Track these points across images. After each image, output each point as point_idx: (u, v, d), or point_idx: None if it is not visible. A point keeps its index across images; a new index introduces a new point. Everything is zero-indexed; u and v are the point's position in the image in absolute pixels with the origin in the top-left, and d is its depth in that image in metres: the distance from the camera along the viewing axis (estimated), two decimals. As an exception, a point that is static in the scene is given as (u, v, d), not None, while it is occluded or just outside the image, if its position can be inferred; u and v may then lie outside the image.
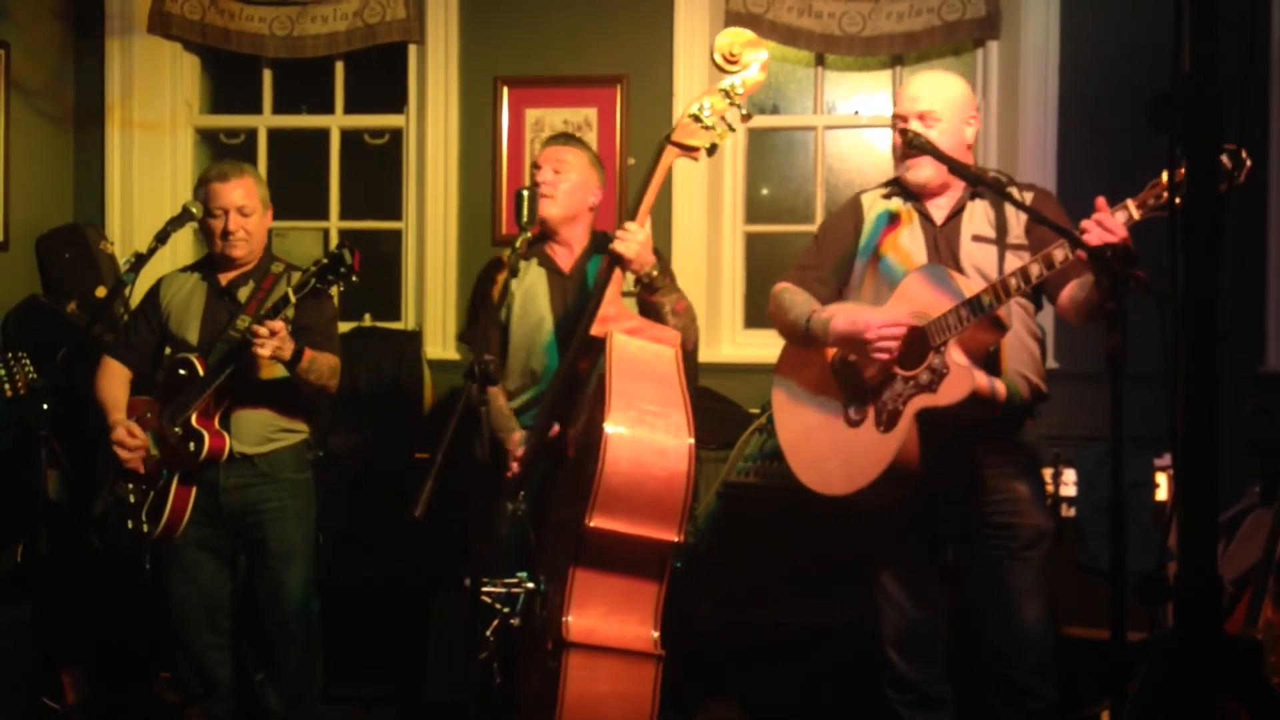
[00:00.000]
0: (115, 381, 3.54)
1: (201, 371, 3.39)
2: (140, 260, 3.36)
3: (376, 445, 4.41)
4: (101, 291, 4.62)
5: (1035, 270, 2.72)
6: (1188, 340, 1.61)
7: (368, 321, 4.84)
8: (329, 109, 5.10)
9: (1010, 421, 2.98)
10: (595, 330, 2.94)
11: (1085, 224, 2.62)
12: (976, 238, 2.98)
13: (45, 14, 4.90)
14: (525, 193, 3.10)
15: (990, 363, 2.89)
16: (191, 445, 3.36)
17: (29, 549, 3.78)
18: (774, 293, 3.16)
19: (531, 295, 3.39)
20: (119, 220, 4.99)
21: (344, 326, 4.25)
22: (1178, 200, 1.70)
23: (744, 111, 3.02)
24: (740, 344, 4.78)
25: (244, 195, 3.47)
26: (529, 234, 3.08)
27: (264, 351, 3.22)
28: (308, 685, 3.58)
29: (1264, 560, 2.98)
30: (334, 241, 5.09)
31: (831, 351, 3.02)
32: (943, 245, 3.00)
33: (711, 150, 3.02)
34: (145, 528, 3.41)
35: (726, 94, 2.98)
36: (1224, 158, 2.26)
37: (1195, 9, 1.61)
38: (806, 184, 4.87)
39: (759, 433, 4.09)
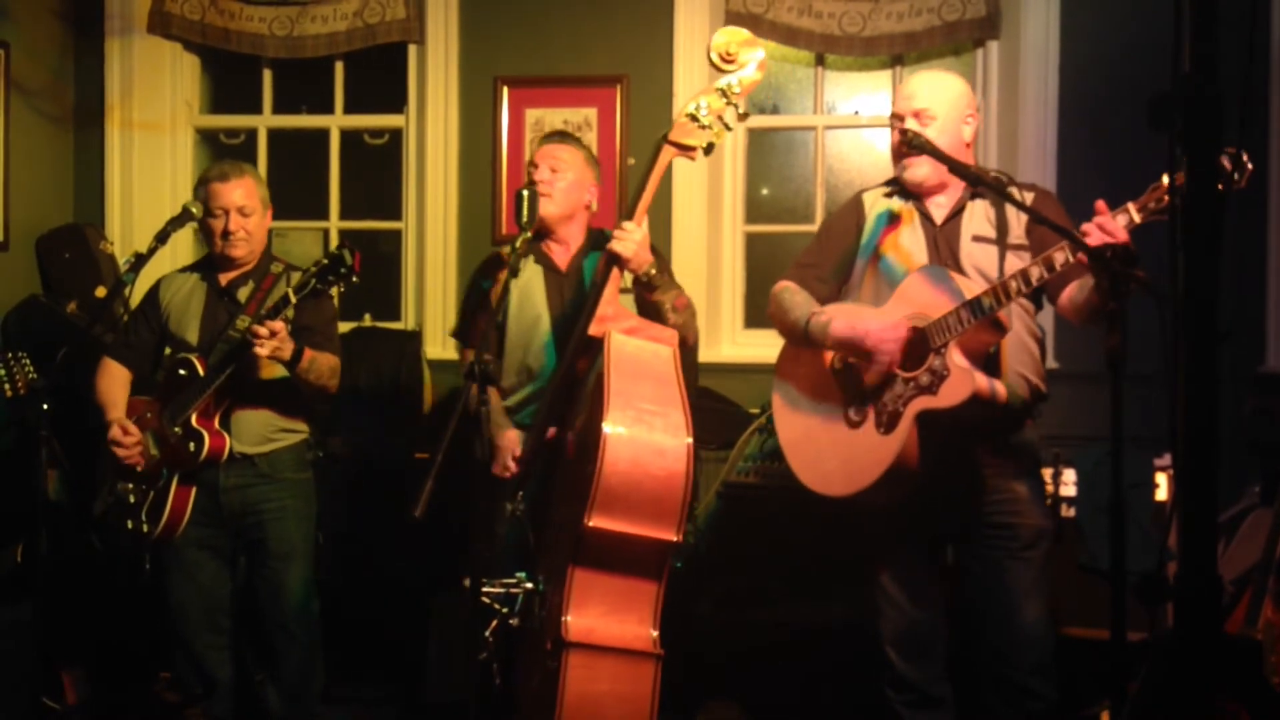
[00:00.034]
0: (115, 382, 3.54)
1: (201, 371, 3.39)
2: (140, 260, 3.36)
3: (376, 445, 4.41)
4: (101, 291, 4.62)
5: (1036, 273, 2.72)
6: (1188, 340, 1.61)
7: (368, 321, 4.84)
8: (329, 109, 5.10)
9: (1010, 422, 2.98)
10: (593, 330, 2.94)
11: (1086, 227, 2.63)
12: (977, 238, 2.98)
13: (45, 14, 4.90)
14: (525, 193, 3.10)
15: (990, 363, 2.89)
16: (191, 445, 3.36)
17: (29, 549, 3.78)
18: (774, 292, 3.16)
19: (528, 293, 3.39)
20: (119, 220, 4.99)
21: (344, 326, 4.25)
22: (1177, 200, 1.70)
23: (741, 110, 3.02)
24: (740, 344, 4.78)
25: (244, 195, 3.47)
26: (529, 234, 3.08)
27: (263, 352, 3.22)
28: (308, 685, 3.58)
29: (1264, 560, 2.97)
30: (334, 241, 5.09)
31: (831, 353, 3.02)
32: (943, 245, 3.00)
33: (708, 150, 3.02)
34: (145, 528, 3.41)
35: (723, 93, 2.98)
36: (1224, 160, 2.25)
37: (1195, 9, 1.61)
38: (806, 184, 4.87)
39: (759, 433, 4.09)
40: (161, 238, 3.40)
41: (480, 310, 3.45)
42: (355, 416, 4.42)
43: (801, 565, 3.88)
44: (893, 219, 3.06)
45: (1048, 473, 3.57)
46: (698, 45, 4.58)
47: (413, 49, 4.87)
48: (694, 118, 2.99)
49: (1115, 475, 2.35)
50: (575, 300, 3.31)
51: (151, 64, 5.02)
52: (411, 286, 4.95)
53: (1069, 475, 3.76)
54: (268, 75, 5.12)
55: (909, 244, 3.02)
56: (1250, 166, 2.41)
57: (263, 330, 3.20)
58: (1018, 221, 2.98)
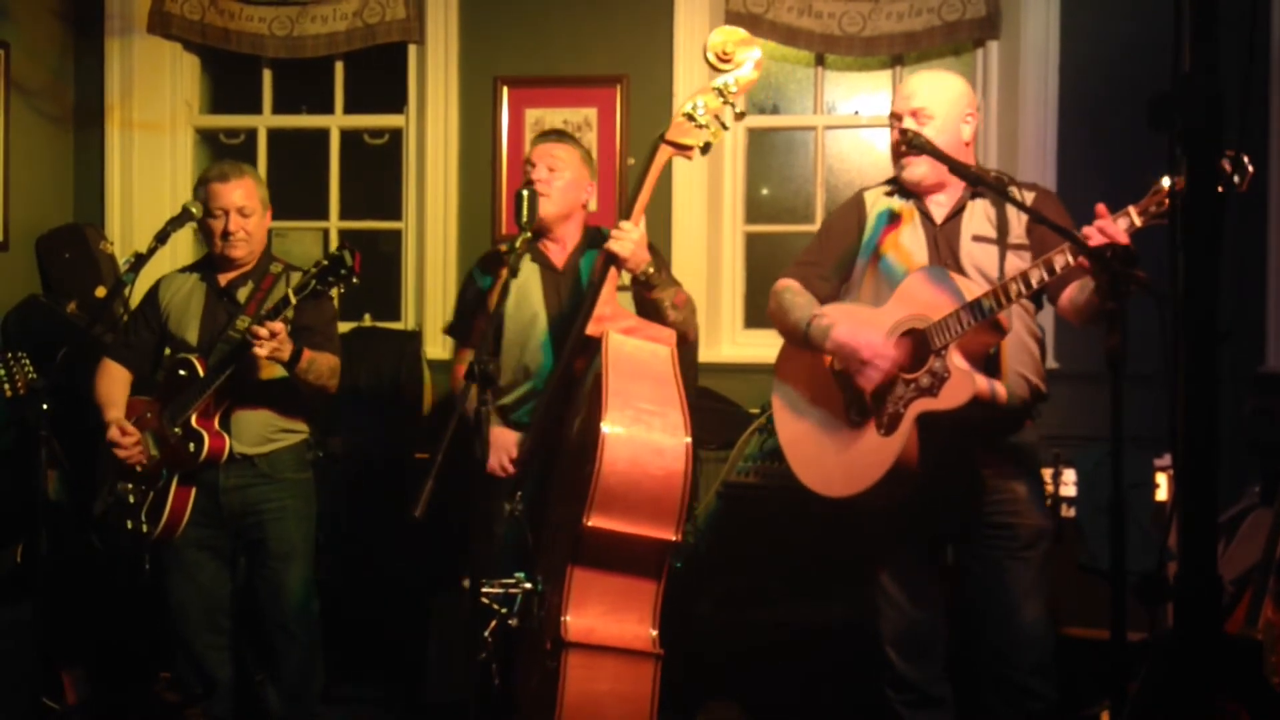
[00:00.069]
0: (114, 382, 3.54)
1: (201, 372, 3.39)
2: (140, 260, 3.36)
3: (376, 445, 4.41)
4: (101, 291, 4.62)
5: (1036, 276, 2.72)
6: (1188, 340, 1.61)
7: (368, 321, 4.84)
8: (329, 109, 5.10)
9: (1010, 422, 2.98)
10: (591, 330, 2.94)
11: (1087, 230, 2.63)
12: (977, 237, 2.98)
13: (45, 14, 4.90)
14: (524, 193, 3.10)
15: (990, 364, 2.89)
16: (191, 446, 3.36)
17: (29, 549, 3.78)
18: (775, 290, 3.15)
19: (525, 291, 3.38)
20: (119, 220, 4.99)
21: (344, 326, 4.25)
22: (1177, 202, 1.70)
23: (738, 110, 3.02)
24: (740, 344, 4.78)
25: (244, 196, 3.47)
26: (529, 234, 3.08)
27: (263, 352, 3.22)
28: (308, 685, 3.58)
29: (1264, 560, 2.97)
30: (334, 241, 5.10)
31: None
32: (943, 244, 3.00)
33: (705, 149, 3.02)
34: (145, 528, 3.41)
35: (720, 92, 2.99)
36: (1225, 164, 2.25)
37: (1195, 9, 1.61)
38: (806, 184, 4.87)
39: (759, 433, 4.09)
40: (161, 238, 3.40)
41: (477, 309, 3.45)
42: (355, 416, 4.42)
43: (801, 565, 3.88)
44: (893, 218, 3.06)
45: (1048, 473, 3.57)
46: (698, 45, 4.54)
47: (413, 49, 4.87)
48: (691, 117, 2.99)
49: (1115, 475, 2.35)
50: (572, 299, 3.31)
51: (151, 64, 5.02)
52: (411, 286, 4.95)
53: (1069, 475, 3.76)
54: (268, 75, 5.12)
55: (909, 243, 3.01)
56: (1251, 170, 2.41)
57: (263, 331, 3.20)
58: (1018, 221, 2.97)
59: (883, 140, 4.74)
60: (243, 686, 3.66)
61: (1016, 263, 2.92)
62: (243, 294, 3.49)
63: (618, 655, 2.75)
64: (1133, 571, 2.34)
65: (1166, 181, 2.54)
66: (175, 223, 3.42)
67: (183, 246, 4.93)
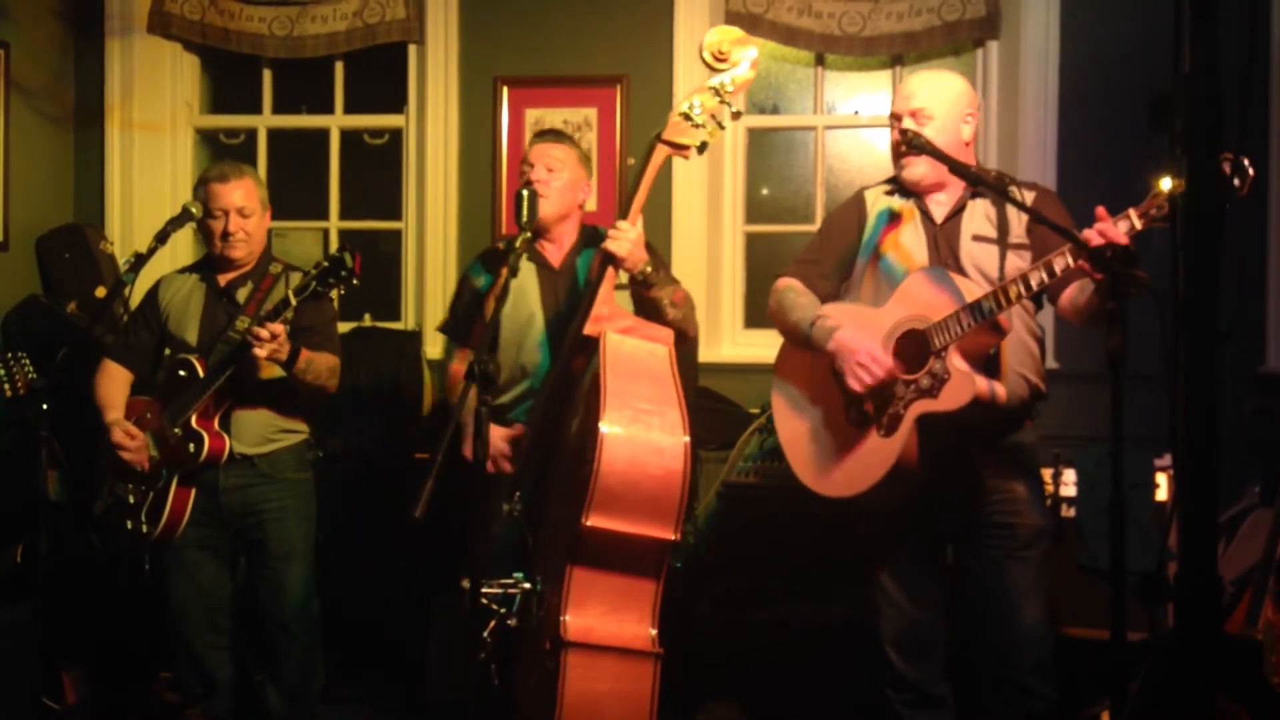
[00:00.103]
0: (115, 383, 3.54)
1: (201, 373, 3.38)
2: (140, 260, 3.36)
3: (376, 445, 4.41)
4: (101, 292, 4.62)
5: (1036, 278, 2.72)
6: (1188, 340, 1.61)
7: (368, 321, 4.84)
8: (329, 109, 5.10)
9: (1010, 422, 2.98)
10: (589, 329, 2.94)
11: (1087, 233, 2.62)
12: (977, 237, 2.98)
13: (45, 14, 4.90)
14: (525, 193, 3.09)
15: (990, 364, 2.89)
16: (191, 446, 3.36)
17: (29, 549, 3.78)
18: (776, 289, 3.15)
19: (522, 291, 3.37)
20: (119, 220, 4.99)
21: (344, 326, 4.25)
22: (1177, 200, 1.70)
23: (734, 109, 3.02)
24: (740, 344, 4.78)
25: (243, 196, 3.47)
26: (529, 234, 3.08)
27: (262, 353, 3.22)
28: (308, 685, 3.58)
29: (1264, 560, 2.97)
30: (334, 241, 5.10)
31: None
32: (943, 244, 3.00)
33: (702, 148, 3.02)
34: (145, 528, 3.41)
35: (716, 92, 2.99)
36: (1225, 167, 2.25)
37: (1195, 9, 1.61)
38: (806, 184, 4.87)
39: (759, 433, 4.09)
40: (161, 238, 3.40)
41: (472, 308, 3.45)
42: (355, 416, 4.42)
43: (801, 565, 3.88)
44: (893, 217, 3.06)
45: (1048, 473, 3.57)
46: (698, 45, 4.57)
47: (413, 49, 4.87)
48: (687, 116, 2.99)
49: (1115, 475, 2.35)
50: (569, 298, 3.31)
51: (151, 64, 5.02)
52: (411, 286, 4.95)
53: (1069, 475, 3.76)
54: (268, 75, 5.12)
55: (909, 243, 3.01)
56: (1252, 173, 2.40)
57: (264, 333, 3.19)
58: (1018, 221, 2.97)
59: (883, 140, 4.74)
60: (243, 686, 3.66)
61: (1016, 262, 2.92)
62: (242, 294, 3.49)
63: (617, 655, 2.75)
64: (1133, 571, 2.34)
65: (1166, 184, 2.54)
66: (175, 223, 3.42)
67: (183, 246, 4.93)
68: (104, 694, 3.95)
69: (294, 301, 3.22)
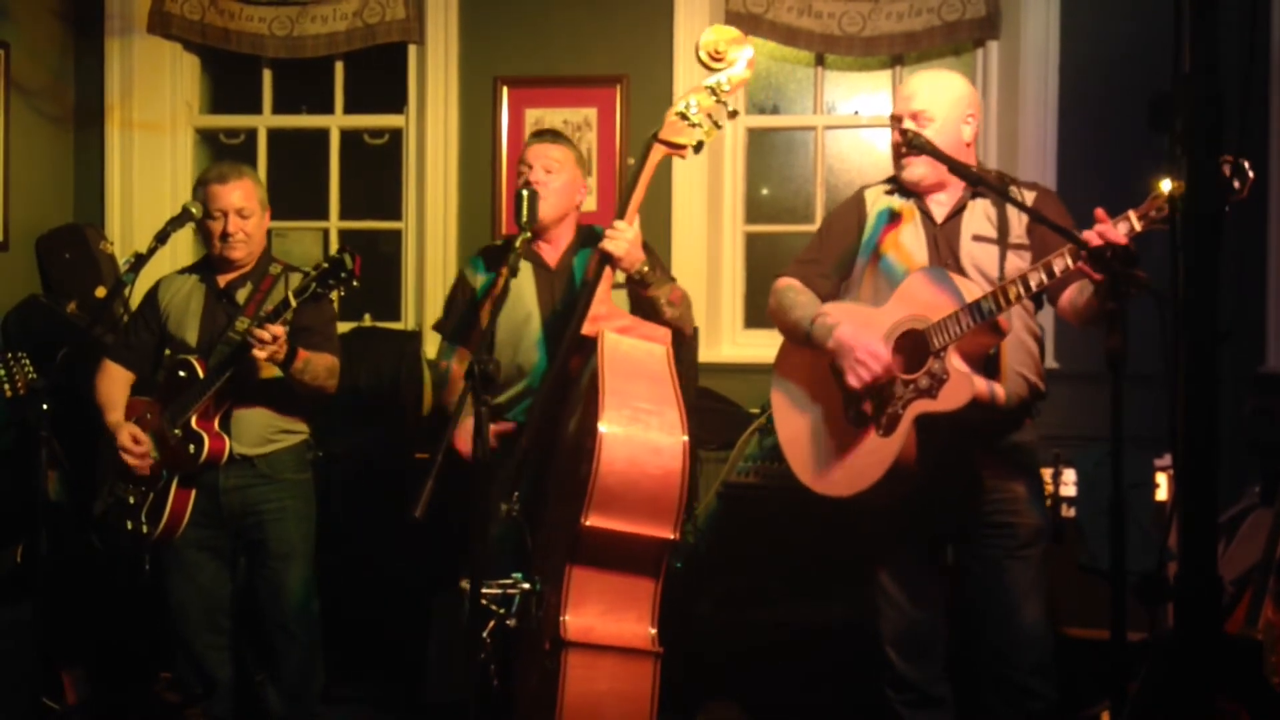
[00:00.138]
0: (115, 383, 3.54)
1: (201, 373, 3.38)
2: (140, 260, 3.36)
3: (376, 445, 4.41)
4: (101, 292, 4.62)
5: (1035, 279, 2.72)
6: (1188, 340, 1.61)
7: (368, 321, 4.84)
8: (329, 109, 5.10)
9: (1009, 421, 2.98)
10: (587, 329, 2.94)
11: (1087, 235, 2.62)
12: (977, 237, 2.98)
13: (45, 14, 4.90)
14: (525, 193, 3.10)
15: (990, 365, 2.89)
16: (191, 448, 3.36)
17: (29, 549, 3.78)
18: (776, 288, 3.15)
19: (518, 291, 3.36)
20: (119, 220, 4.99)
21: (344, 326, 4.25)
22: (1176, 202, 1.70)
23: (731, 108, 3.02)
24: (740, 344, 4.78)
25: (243, 197, 3.47)
26: (529, 234, 3.08)
27: (262, 355, 3.22)
28: (308, 685, 3.58)
29: (1264, 560, 2.97)
30: (334, 241, 5.10)
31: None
32: (943, 243, 3.00)
33: (698, 148, 3.03)
34: (145, 529, 3.41)
35: (713, 91, 2.99)
36: (1225, 169, 2.25)
37: (1195, 9, 1.61)
38: (806, 184, 4.87)
39: (759, 433, 4.09)
40: (161, 238, 3.40)
41: (470, 308, 3.45)
42: (355, 416, 4.42)
43: (801, 565, 3.88)
44: (893, 217, 3.06)
45: (1048, 473, 3.57)
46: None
47: (413, 49, 4.87)
48: (684, 116, 3.00)
49: (1115, 475, 2.35)
50: (565, 298, 3.31)
51: (151, 64, 5.02)
52: (411, 286, 4.95)
53: (1069, 475, 3.76)
54: (268, 75, 5.12)
55: (909, 242, 3.01)
56: (1252, 175, 2.40)
57: (265, 335, 3.19)
58: (1019, 221, 2.97)
59: (883, 140, 4.74)
60: (243, 686, 3.66)
61: (1017, 263, 2.92)
62: (242, 295, 3.49)
63: (617, 654, 2.75)
64: (1133, 571, 2.35)
65: (1166, 186, 2.54)
66: (175, 223, 3.42)
67: (183, 247, 4.93)
68: (104, 694, 3.95)
69: (294, 303, 3.22)
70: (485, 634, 2.78)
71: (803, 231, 4.63)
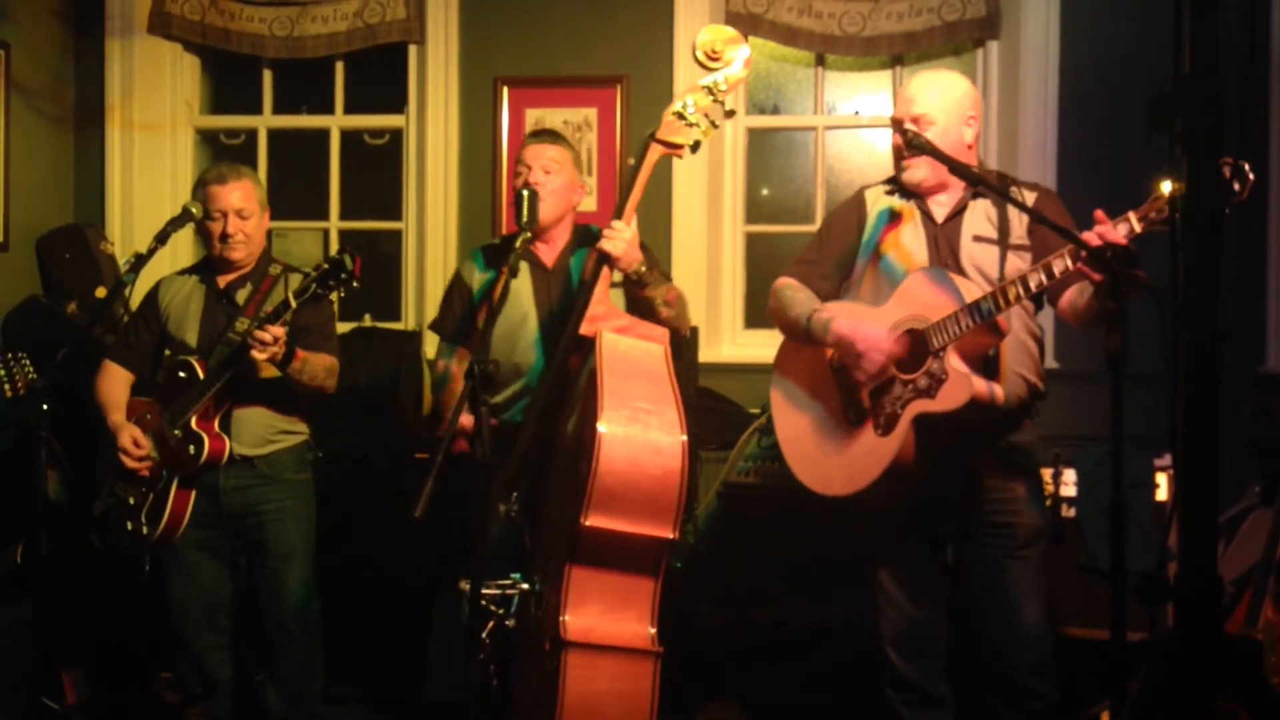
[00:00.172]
0: (115, 384, 3.54)
1: (201, 374, 3.38)
2: (140, 261, 3.36)
3: (376, 445, 4.41)
4: (101, 292, 4.62)
5: (1035, 280, 2.72)
6: (1188, 340, 1.61)
7: (368, 322, 4.84)
8: (329, 109, 5.10)
9: (1009, 421, 2.98)
10: (585, 329, 2.94)
11: (1086, 236, 2.62)
12: (978, 237, 2.98)
13: (45, 14, 4.90)
14: (526, 194, 3.09)
15: (989, 365, 2.89)
16: (191, 448, 3.36)
17: (29, 549, 3.78)
18: (775, 288, 3.15)
19: (516, 291, 3.36)
20: (119, 220, 4.99)
21: (344, 327, 4.25)
22: (1177, 202, 1.70)
23: (728, 108, 3.02)
24: (740, 344, 4.78)
25: (242, 198, 3.47)
26: (529, 235, 3.08)
27: (262, 356, 3.22)
28: (308, 685, 3.58)
29: (1264, 560, 2.97)
30: (334, 241, 5.10)
31: (831, 351, 3.02)
32: (943, 244, 3.00)
33: (695, 147, 3.03)
34: (145, 529, 3.41)
35: (709, 91, 2.99)
36: (1225, 171, 2.25)
37: (1195, 9, 1.61)
38: (806, 184, 4.87)
39: (759, 433, 4.09)
40: (161, 238, 3.40)
41: (468, 308, 3.44)
42: (355, 416, 4.42)
43: (801, 565, 3.88)
44: (894, 217, 3.06)
45: (1048, 473, 3.57)
46: (696, 45, 4.58)
47: (413, 49, 4.87)
48: (681, 115, 3.00)
49: (1115, 475, 2.35)
50: (562, 298, 3.31)
51: (151, 64, 5.02)
52: (411, 287, 4.94)
53: (1069, 475, 3.76)
54: (268, 75, 5.12)
55: (909, 243, 3.01)
56: (1252, 177, 2.40)
57: (265, 336, 3.19)
58: (1019, 221, 2.97)
59: (883, 140, 4.74)
60: (243, 686, 3.66)
61: (1017, 263, 2.92)
62: (241, 296, 3.49)
63: (617, 654, 2.75)
64: (1133, 571, 2.34)
65: (1167, 187, 2.54)
66: (175, 223, 3.42)
67: (183, 247, 4.93)
68: (104, 694, 3.95)
69: (294, 304, 3.22)
70: (485, 634, 2.79)
71: (803, 232, 4.63)
